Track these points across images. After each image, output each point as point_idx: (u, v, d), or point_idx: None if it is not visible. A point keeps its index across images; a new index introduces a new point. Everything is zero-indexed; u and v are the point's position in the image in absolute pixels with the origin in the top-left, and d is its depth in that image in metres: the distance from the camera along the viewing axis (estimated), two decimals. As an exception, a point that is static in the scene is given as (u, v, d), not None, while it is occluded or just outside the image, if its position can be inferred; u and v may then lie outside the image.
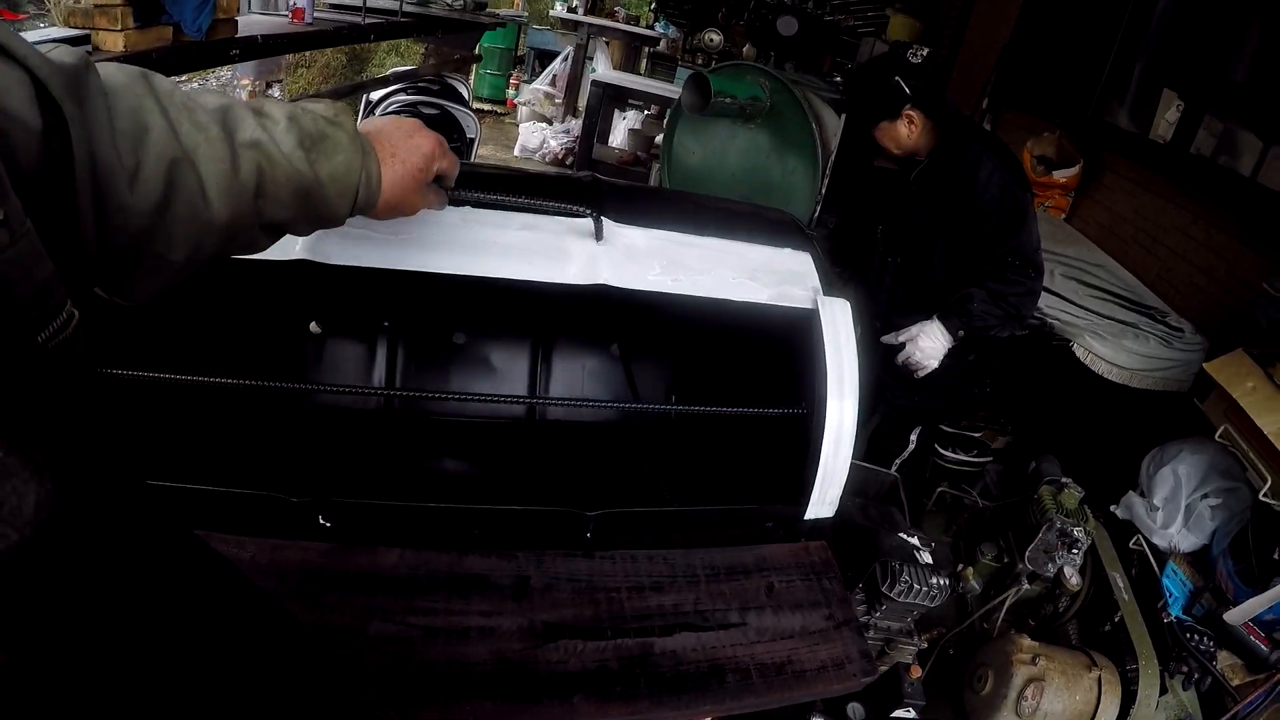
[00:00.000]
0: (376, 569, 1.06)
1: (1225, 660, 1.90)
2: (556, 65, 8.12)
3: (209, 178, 0.65)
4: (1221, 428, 2.04)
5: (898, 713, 1.66)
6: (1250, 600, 1.84)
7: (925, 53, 2.12)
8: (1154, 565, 2.08)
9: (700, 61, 5.63)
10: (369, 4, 3.57)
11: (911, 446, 2.52)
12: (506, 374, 1.88)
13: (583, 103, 6.93)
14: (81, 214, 0.55)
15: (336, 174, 0.75)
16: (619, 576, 1.16)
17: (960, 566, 2.16)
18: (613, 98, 5.98)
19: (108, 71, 0.61)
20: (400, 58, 9.07)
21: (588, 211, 1.25)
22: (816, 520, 1.38)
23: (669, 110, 3.55)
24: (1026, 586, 2.05)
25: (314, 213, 0.76)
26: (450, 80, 4.82)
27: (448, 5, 4.33)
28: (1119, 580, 2.02)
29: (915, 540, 1.68)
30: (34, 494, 0.37)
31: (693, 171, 3.31)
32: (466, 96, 4.92)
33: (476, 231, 1.20)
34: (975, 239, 2.10)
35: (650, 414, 1.86)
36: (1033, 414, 2.93)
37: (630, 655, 1.05)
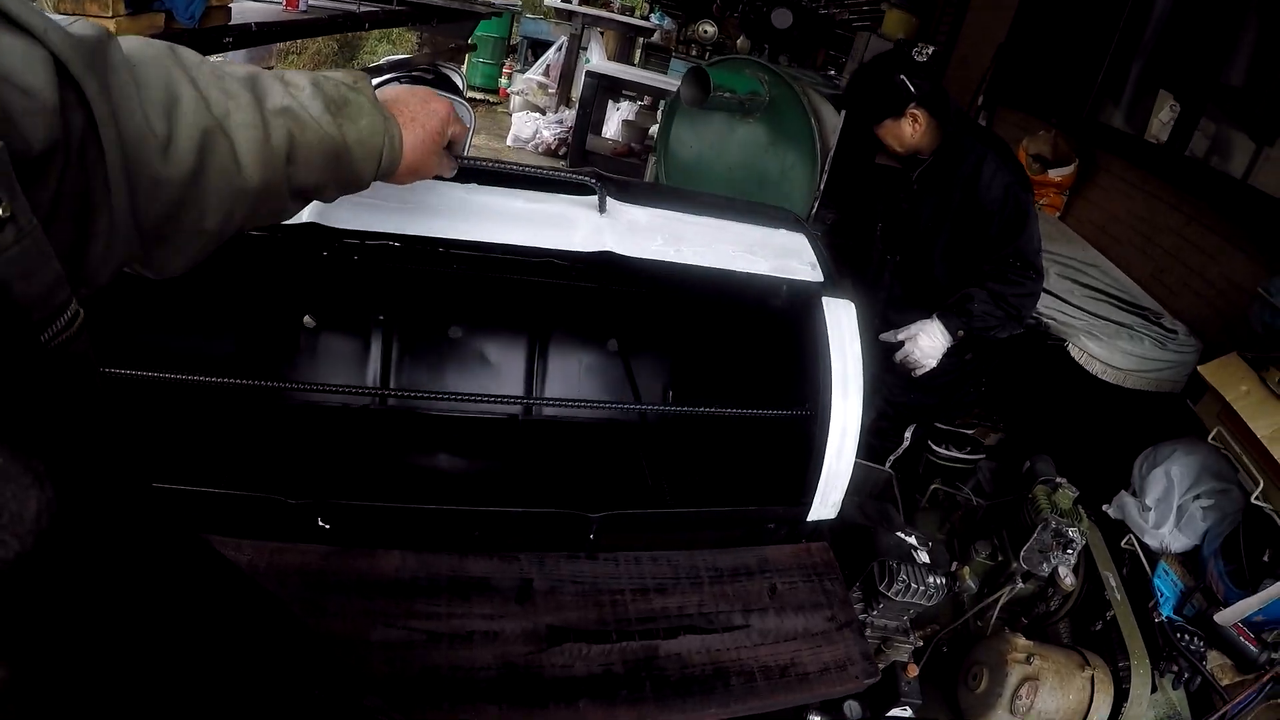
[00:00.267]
0: (377, 572, 1.05)
1: (1215, 660, 1.92)
2: (550, 55, 8.05)
3: (241, 144, 0.65)
4: (1214, 430, 2.05)
5: (894, 711, 1.67)
6: (1241, 602, 1.86)
7: (931, 51, 2.10)
8: (1145, 565, 2.10)
9: (694, 53, 5.61)
10: (363, -10, 3.52)
11: (906, 444, 2.53)
12: (503, 369, 1.86)
13: (576, 93, 6.88)
14: (113, 189, 0.55)
15: (363, 137, 0.76)
16: (623, 578, 1.15)
17: (956, 566, 2.17)
18: (607, 88, 5.94)
19: (132, 45, 0.60)
20: (392, 45, 8.97)
21: (592, 181, 1.26)
22: (818, 522, 1.38)
23: (666, 102, 3.53)
24: (1020, 585, 2.06)
25: (342, 176, 0.77)
26: (445, 70, 4.75)
27: (442, -7, 4.27)
28: (1111, 580, 2.04)
29: (912, 539, 1.68)
30: (34, 501, 0.35)
31: (689, 165, 3.29)
32: (461, 86, 4.86)
33: (483, 202, 1.21)
34: (977, 239, 2.10)
35: (650, 414, 1.85)
36: (1027, 412, 2.94)
37: (635, 658, 1.04)
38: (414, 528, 1.13)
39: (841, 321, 1.32)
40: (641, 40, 7.18)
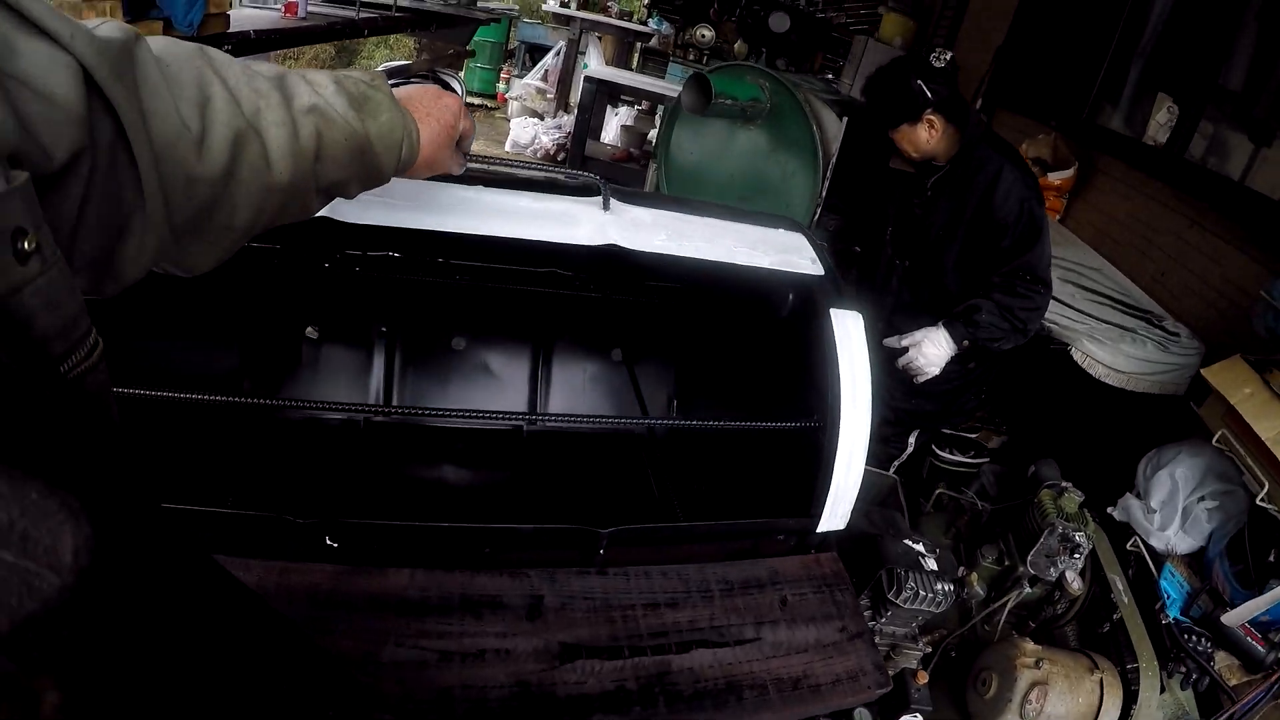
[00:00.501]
0: (386, 591, 1.04)
1: (1222, 661, 1.92)
2: (548, 60, 8.06)
3: (272, 143, 0.66)
4: (1219, 432, 2.05)
5: (904, 718, 1.67)
6: (1248, 603, 1.86)
7: (949, 57, 2.09)
8: (1151, 567, 2.10)
9: (692, 57, 5.61)
10: (361, -1, 3.52)
11: (910, 449, 2.53)
12: (507, 379, 1.86)
13: (574, 98, 6.89)
14: (147, 190, 0.55)
15: (384, 132, 0.78)
16: (633, 593, 1.15)
17: (964, 572, 2.16)
18: (605, 93, 5.95)
19: (161, 44, 0.61)
20: (390, 51, 8.96)
21: (596, 179, 1.30)
22: (828, 533, 1.37)
23: (666, 108, 3.52)
24: (1027, 589, 2.06)
25: (366, 172, 0.78)
26: (443, 75, 4.76)
27: (442, 0, 4.27)
28: (1118, 582, 2.04)
29: (920, 546, 1.68)
30: (70, 536, 0.35)
31: (690, 171, 3.29)
32: (460, 92, 4.87)
33: (489, 200, 1.23)
34: (990, 250, 2.09)
35: (658, 427, 1.85)
36: (1030, 416, 2.95)
37: (648, 674, 1.04)
38: (423, 545, 1.13)
39: (850, 332, 1.32)
40: (639, 45, 7.19)
